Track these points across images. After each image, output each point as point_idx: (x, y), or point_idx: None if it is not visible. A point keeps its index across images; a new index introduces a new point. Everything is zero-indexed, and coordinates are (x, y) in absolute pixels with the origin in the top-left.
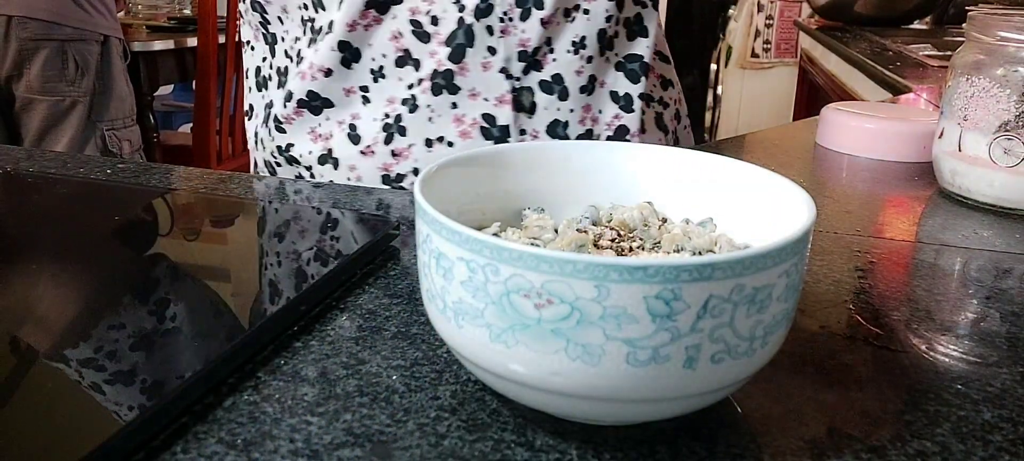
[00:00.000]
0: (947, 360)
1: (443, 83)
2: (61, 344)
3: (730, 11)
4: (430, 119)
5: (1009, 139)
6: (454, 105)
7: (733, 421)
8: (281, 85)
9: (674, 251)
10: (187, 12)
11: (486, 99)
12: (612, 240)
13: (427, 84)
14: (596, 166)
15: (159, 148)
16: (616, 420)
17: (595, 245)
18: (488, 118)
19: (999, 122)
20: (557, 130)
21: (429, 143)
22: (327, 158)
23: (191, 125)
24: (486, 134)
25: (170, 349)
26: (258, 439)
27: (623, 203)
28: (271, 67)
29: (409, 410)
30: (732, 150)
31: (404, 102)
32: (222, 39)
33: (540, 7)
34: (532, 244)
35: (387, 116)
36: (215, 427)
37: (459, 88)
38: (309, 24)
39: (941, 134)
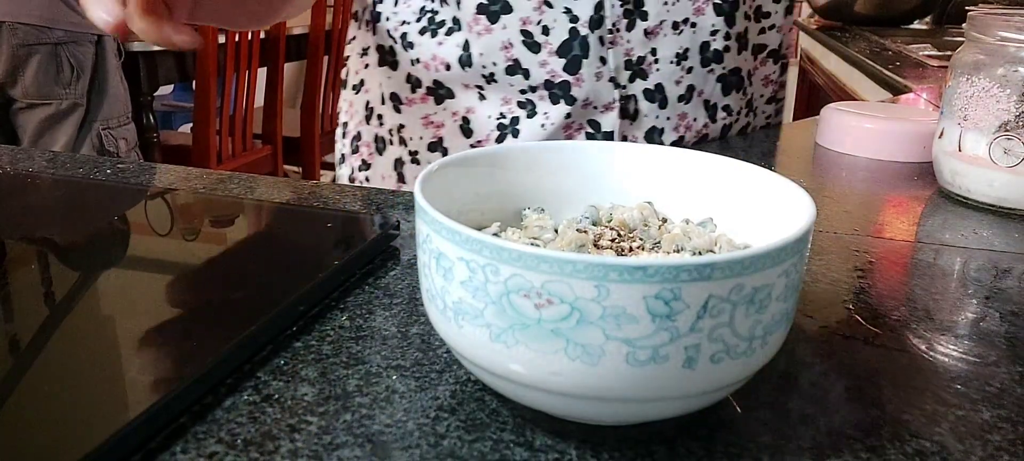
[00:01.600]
0: (946, 360)
1: (561, 93)
2: (60, 344)
3: None
4: (543, 125)
5: (1009, 139)
6: (569, 114)
7: (732, 421)
8: (385, 63)
9: (674, 251)
10: None
11: (595, 107)
12: (612, 240)
13: (543, 92)
14: (596, 166)
15: (159, 148)
16: (615, 420)
17: (595, 245)
18: (593, 124)
19: (999, 122)
20: (653, 137)
21: None
22: (437, 146)
23: (191, 125)
24: (590, 138)
25: (169, 349)
26: (258, 439)
27: (623, 203)
28: (375, 47)
29: (409, 410)
30: (732, 150)
31: (521, 106)
32: (222, 39)
33: (644, 18)
34: (532, 244)
35: (502, 116)
36: (215, 427)
37: (575, 98)
38: (428, 15)
39: (941, 134)
